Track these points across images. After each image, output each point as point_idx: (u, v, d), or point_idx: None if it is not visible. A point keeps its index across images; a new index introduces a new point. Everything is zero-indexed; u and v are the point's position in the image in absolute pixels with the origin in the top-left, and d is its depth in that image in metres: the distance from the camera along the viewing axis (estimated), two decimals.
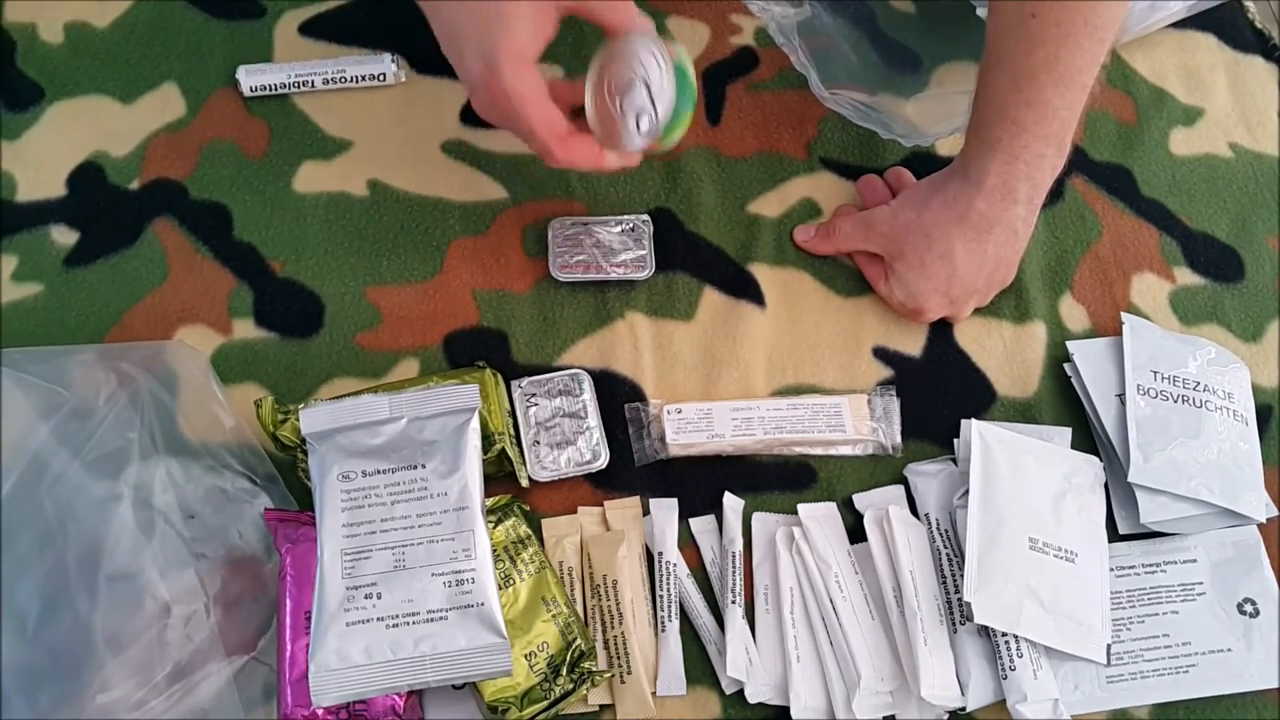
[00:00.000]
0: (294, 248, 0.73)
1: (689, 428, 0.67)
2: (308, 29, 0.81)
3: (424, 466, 0.58)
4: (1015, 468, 0.65)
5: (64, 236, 0.73)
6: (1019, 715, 0.59)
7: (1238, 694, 0.62)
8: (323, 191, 0.75)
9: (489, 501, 0.61)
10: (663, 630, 0.62)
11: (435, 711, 0.60)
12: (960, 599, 0.61)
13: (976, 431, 0.65)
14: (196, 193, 0.75)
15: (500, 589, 0.58)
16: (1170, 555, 0.65)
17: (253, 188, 0.75)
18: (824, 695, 0.61)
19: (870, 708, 0.60)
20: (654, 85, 0.59)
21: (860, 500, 0.66)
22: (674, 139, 0.62)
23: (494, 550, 0.58)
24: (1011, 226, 0.67)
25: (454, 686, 0.59)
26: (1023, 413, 0.70)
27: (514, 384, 0.68)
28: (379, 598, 0.55)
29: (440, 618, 0.55)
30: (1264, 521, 0.65)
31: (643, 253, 0.73)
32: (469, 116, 0.78)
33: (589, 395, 0.68)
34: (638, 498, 0.66)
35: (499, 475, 0.65)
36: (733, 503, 0.66)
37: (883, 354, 0.71)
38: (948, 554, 0.63)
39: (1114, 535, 0.65)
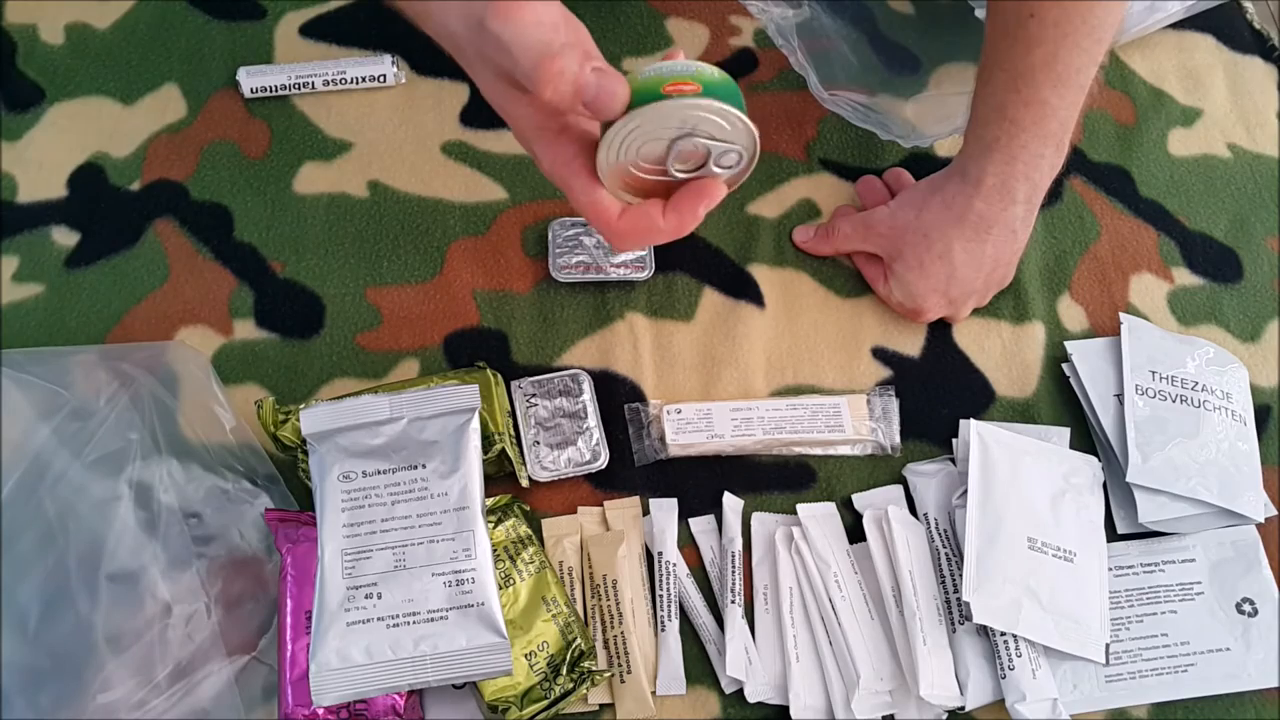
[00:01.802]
0: (295, 248, 0.73)
1: (689, 428, 0.67)
2: (308, 30, 0.81)
3: (424, 466, 0.58)
4: (1014, 468, 0.65)
5: (65, 237, 0.73)
6: (1018, 715, 0.59)
7: (1236, 693, 0.62)
8: (323, 192, 0.75)
9: (489, 501, 0.61)
10: (662, 630, 0.62)
11: (435, 711, 0.60)
12: (959, 599, 0.61)
13: (975, 431, 0.65)
14: (197, 194, 0.75)
15: (500, 589, 0.58)
16: (1169, 555, 0.65)
17: (253, 189, 0.75)
18: (823, 695, 0.61)
19: (869, 707, 0.60)
20: (700, 125, 0.46)
21: (859, 500, 0.67)
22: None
23: (494, 550, 0.58)
24: (1010, 227, 0.67)
25: (454, 686, 0.60)
26: (1021, 413, 0.70)
27: (514, 384, 0.69)
28: (379, 597, 0.55)
29: (440, 617, 0.55)
30: (1262, 521, 0.65)
31: (642, 253, 0.73)
32: (469, 117, 0.78)
33: (589, 395, 0.68)
34: (638, 498, 0.66)
35: (499, 475, 0.65)
36: (732, 503, 0.66)
37: (882, 354, 0.71)
38: (947, 554, 0.63)
39: (1112, 535, 0.66)
